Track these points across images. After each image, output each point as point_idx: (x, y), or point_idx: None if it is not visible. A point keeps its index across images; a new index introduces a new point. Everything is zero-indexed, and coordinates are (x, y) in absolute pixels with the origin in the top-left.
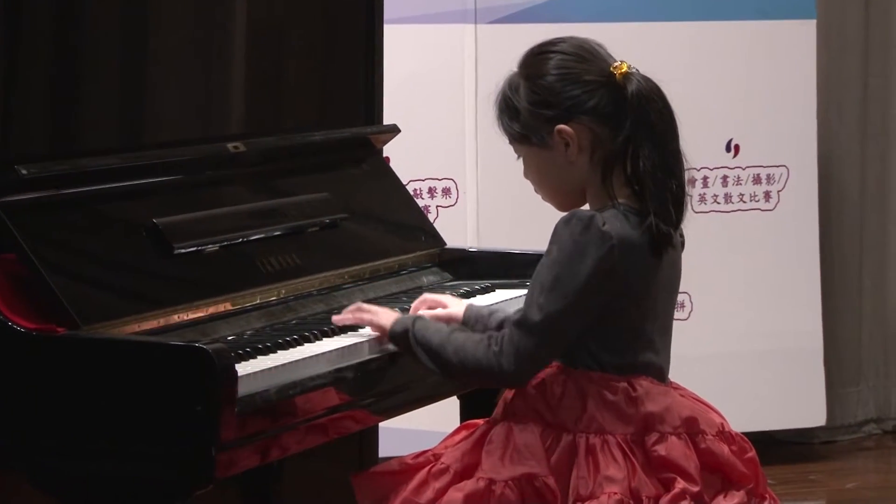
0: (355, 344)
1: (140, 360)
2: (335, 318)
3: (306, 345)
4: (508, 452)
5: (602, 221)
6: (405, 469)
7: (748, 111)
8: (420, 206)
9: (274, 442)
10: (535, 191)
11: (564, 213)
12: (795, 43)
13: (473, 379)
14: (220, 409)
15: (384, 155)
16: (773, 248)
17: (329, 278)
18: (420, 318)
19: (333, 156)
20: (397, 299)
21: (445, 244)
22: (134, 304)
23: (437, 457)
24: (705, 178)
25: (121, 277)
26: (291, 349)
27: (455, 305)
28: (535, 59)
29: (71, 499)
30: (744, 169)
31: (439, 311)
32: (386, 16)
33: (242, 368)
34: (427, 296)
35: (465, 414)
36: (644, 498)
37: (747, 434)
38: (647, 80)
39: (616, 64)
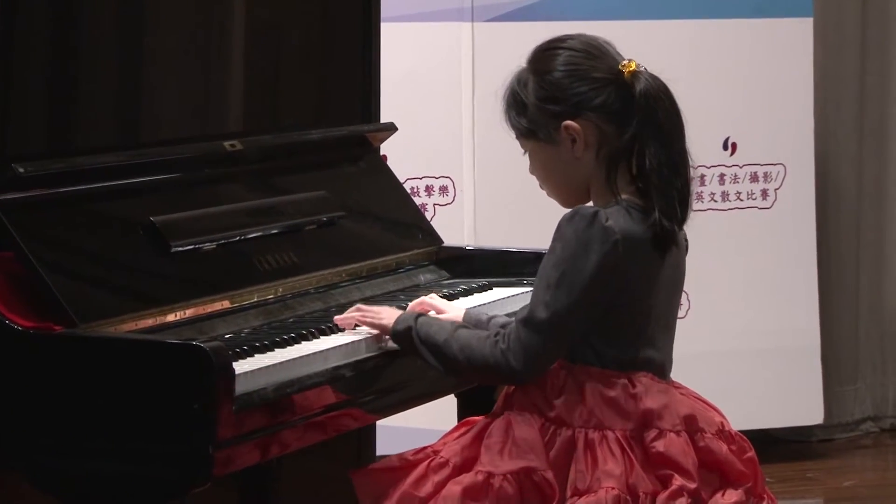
0: (353, 342)
1: (137, 359)
2: (337, 319)
3: (304, 343)
4: (507, 446)
5: (605, 217)
6: (405, 465)
7: (745, 109)
8: (417, 204)
9: (271, 440)
10: (541, 186)
11: (567, 210)
12: (792, 41)
13: (479, 376)
14: (218, 408)
15: (381, 153)
16: (771, 247)
17: (326, 276)
18: (422, 315)
19: (331, 154)
20: (395, 297)
21: (443, 242)
22: (131, 303)
23: (436, 452)
24: (702, 177)
25: (118, 276)
26: (289, 347)
27: (452, 311)
28: (545, 54)
29: (69, 497)
30: (741, 167)
31: (438, 317)
32: (383, 14)
33: (240, 367)
34: (424, 299)
35: (463, 412)
36: (641, 494)
37: (745, 432)
38: (655, 78)
39: (624, 62)
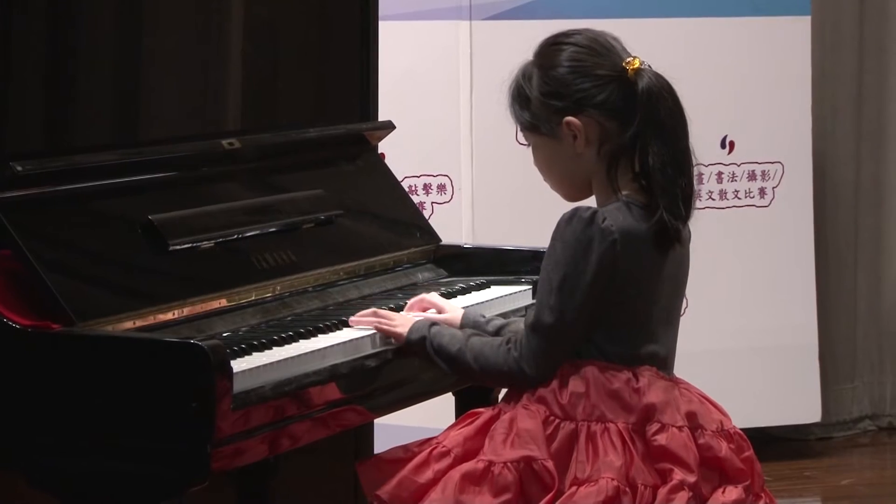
0: (351, 340)
1: (135, 357)
2: (352, 320)
3: (301, 341)
4: (510, 437)
5: (603, 217)
6: (410, 456)
7: (743, 107)
8: (415, 202)
9: (269, 438)
10: (544, 179)
11: (566, 211)
12: (790, 39)
13: (494, 382)
14: (216, 406)
15: (379, 151)
16: (768, 245)
17: (324, 275)
18: (435, 324)
19: (328, 152)
20: (392, 296)
21: (440, 240)
22: (129, 301)
23: (440, 443)
24: (700, 175)
25: (116, 274)
26: (287, 346)
27: (452, 311)
28: (550, 49)
29: (67, 496)
30: (738, 165)
31: (437, 316)
32: (381, 12)
33: (238, 365)
34: (424, 296)
35: (461, 409)
36: (640, 486)
37: (743, 430)
38: (659, 76)
39: (629, 59)
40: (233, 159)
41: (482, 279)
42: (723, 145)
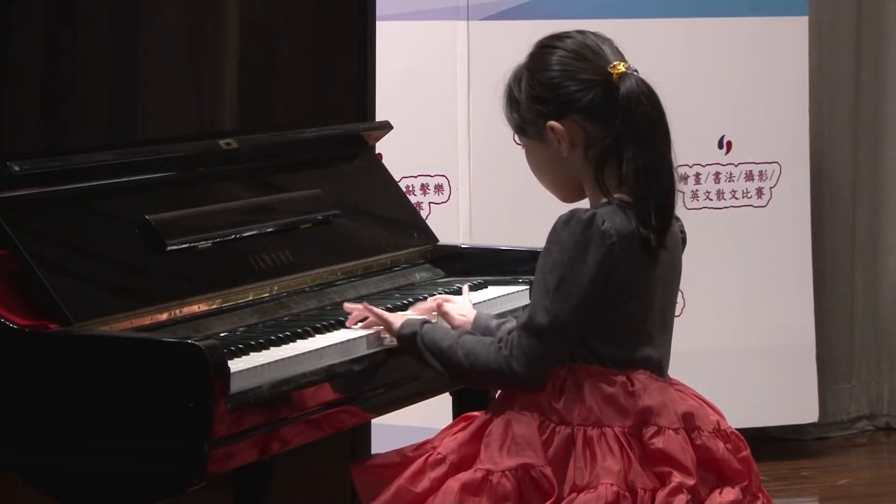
0: (348, 341)
1: (133, 357)
2: (347, 306)
3: (299, 341)
4: (507, 444)
5: (602, 220)
6: (405, 461)
7: (741, 108)
8: (412, 202)
9: (266, 438)
10: (538, 180)
11: (563, 213)
12: (788, 40)
13: (484, 381)
14: (213, 406)
15: (377, 151)
16: (766, 245)
17: (322, 275)
18: (427, 321)
19: (326, 152)
20: (389, 295)
21: (438, 241)
22: (126, 301)
23: (435, 448)
24: (697, 175)
25: (113, 274)
26: (284, 346)
27: (468, 313)
28: (541, 52)
29: (64, 496)
30: (736, 165)
31: (452, 316)
32: (378, 12)
33: (235, 365)
34: (440, 298)
35: (458, 410)
36: (640, 490)
37: (740, 430)
38: (642, 82)
39: (614, 63)
40: (230, 159)
41: (479, 279)
42: (720, 145)
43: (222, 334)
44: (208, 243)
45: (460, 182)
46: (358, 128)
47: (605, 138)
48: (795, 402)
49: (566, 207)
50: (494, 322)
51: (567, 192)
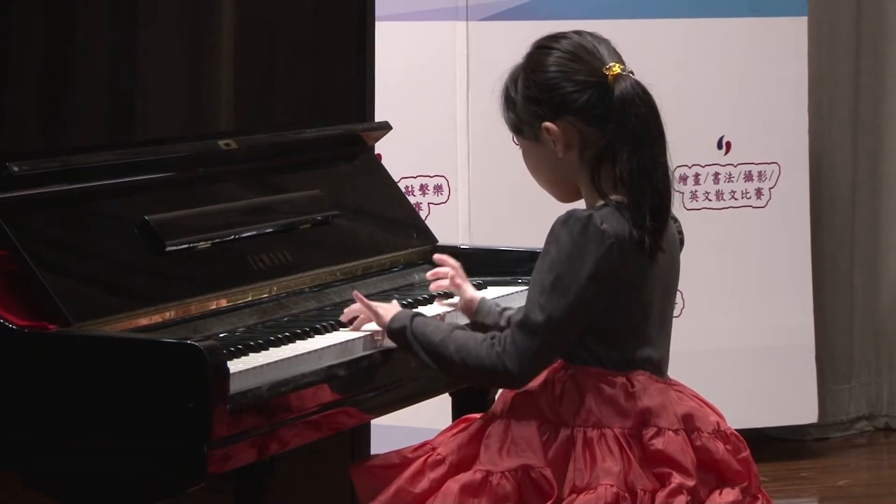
0: (347, 341)
1: (132, 358)
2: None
3: (298, 342)
4: (506, 446)
5: (600, 220)
6: (405, 462)
7: (740, 108)
8: (412, 203)
9: (266, 439)
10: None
11: (562, 213)
12: (787, 40)
13: (475, 378)
14: (212, 406)
15: (376, 152)
16: (765, 245)
17: (321, 275)
18: (418, 314)
19: (325, 153)
20: (389, 296)
21: (437, 241)
22: (125, 302)
23: (434, 449)
24: (697, 175)
25: (112, 275)
26: (283, 346)
27: (473, 292)
28: (538, 52)
29: (63, 496)
30: (735, 166)
31: (456, 300)
32: (378, 13)
33: (234, 366)
34: (454, 269)
35: (458, 411)
36: (639, 491)
37: (739, 431)
38: (637, 84)
39: (609, 65)
40: (229, 160)
41: (478, 280)
42: (719, 146)
43: (221, 335)
44: (207, 244)
45: (459, 182)
46: (357, 128)
47: (601, 140)
48: (795, 403)
49: (565, 208)
50: (497, 308)
51: (564, 192)
